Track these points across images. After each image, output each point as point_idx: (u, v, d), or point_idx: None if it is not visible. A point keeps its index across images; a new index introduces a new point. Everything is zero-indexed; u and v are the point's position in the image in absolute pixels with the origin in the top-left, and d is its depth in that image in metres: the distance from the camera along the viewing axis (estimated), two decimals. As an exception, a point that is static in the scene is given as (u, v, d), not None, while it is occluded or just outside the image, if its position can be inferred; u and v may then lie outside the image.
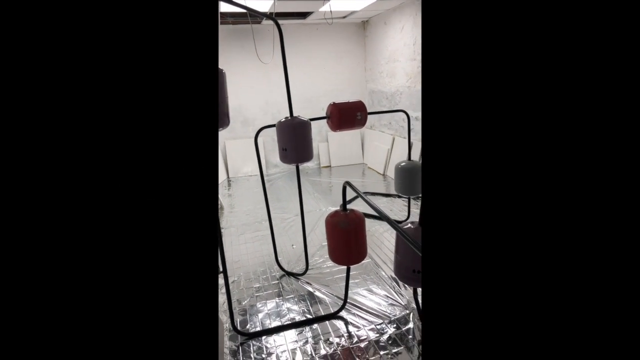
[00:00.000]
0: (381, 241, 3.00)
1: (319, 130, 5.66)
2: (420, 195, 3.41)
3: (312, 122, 2.21)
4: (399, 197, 3.99)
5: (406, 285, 2.27)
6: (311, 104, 5.48)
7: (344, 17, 4.95)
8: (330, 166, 5.74)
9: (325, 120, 2.35)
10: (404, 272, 1.66)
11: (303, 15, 4.68)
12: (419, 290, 2.23)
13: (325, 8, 4.18)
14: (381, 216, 1.45)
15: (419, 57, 4.20)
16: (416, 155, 4.20)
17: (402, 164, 3.03)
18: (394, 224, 1.37)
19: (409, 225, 1.72)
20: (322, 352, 1.77)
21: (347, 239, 1.85)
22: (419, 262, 1.60)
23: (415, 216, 3.52)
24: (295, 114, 2.19)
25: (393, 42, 4.75)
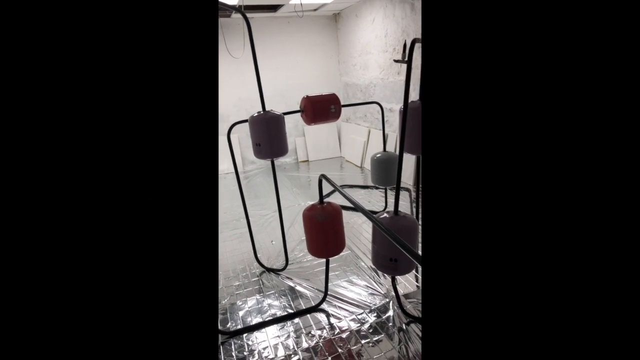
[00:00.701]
0: (360, 232, 3.03)
1: (295, 125, 5.63)
2: (399, 186, 3.46)
3: (288, 117, 2.19)
4: (376, 188, 4.04)
5: (385, 275, 2.31)
6: (286, 98, 5.43)
7: (315, 9, 4.92)
8: (308, 161, 5.73)
9: (300, 115, 2.33)
10: (382, 261, 1.68)
11: (273, 8, 4.61)
12: (398, 278, 2.27)
13: (295, 1, 4.13)
14: (356, 207, 1.46)
15: (391, 49, 4.24)
16: (391, 146, 4.25)
17: (378, 155, 3.06)
18: (369, 214, 1.38)
19: (385, 215, 1.74)
20: (304, 345, 1.78)
21: (324, 231, 1.85)
22: (396, 250, 1.62)
23: (392, 206, 3.57)
24: (269, 109, 2.16)
25: (365, 35, 4.76)
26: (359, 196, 3.91)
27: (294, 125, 5.62)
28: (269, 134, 2.07)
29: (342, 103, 2.49)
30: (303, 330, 1.88)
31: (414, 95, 3.69)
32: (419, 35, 3.66)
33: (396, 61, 1.61)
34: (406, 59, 1.59)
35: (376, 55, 4.59)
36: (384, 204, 3.55)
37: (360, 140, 5.20)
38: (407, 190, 3.85)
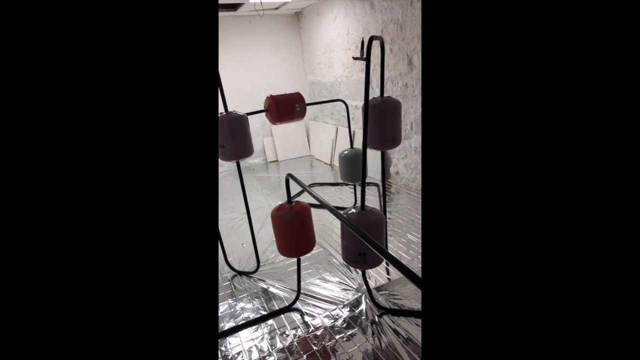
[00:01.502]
0: (331, 229, 3.05)
1: (262, 125, 5.57)
2: (365, 182, 3.53)
3: (255, 117, 2.16)
4: (346, 184, 4.08)
5: (357, 270, 2.34)
6: (251, 99, 5.36)
7: (276, 8, 4.88)
8: (277, 161, 5.69)
9: (265, 114, 2.31)
10: (351, 256, 1.71)
11: (233, 7, 4.52)
12: (369, 271, 2.31)
13: (255, -1, 4.08)
14: (323, 205, 1.47)
15: (353, 47, 4.29)
16: (359, 143, 4.31)
17: (345, 152, 3.10)
18: (335, 211, 1.39)
19: (352, 210, 1.77)
20: (279, 345, 1.77)
21: (294, 230, 1.85)
22: (364, 245, 1.65)
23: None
24: (234, 109, 2.12)
25: (327, 33, 4.79)
26: (330, 193, 3.94)
27: (261, 125, 5.56)
28: (232, 135, 2.04)
29: (309, 101, 2.50)
30: (277, 331, 1.88)
31: (377, 92, 3.76)
32: (379, 33, 3.73)
33: (355, 58, 1.64)
34: (364, 56, 1.62)
35: (339, 53, 4.63)
36: (354, 200, 3.60)
37: (328, 138, 5.23)
38: (376, 185, 3.92)
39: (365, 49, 1.61)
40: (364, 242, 1.21)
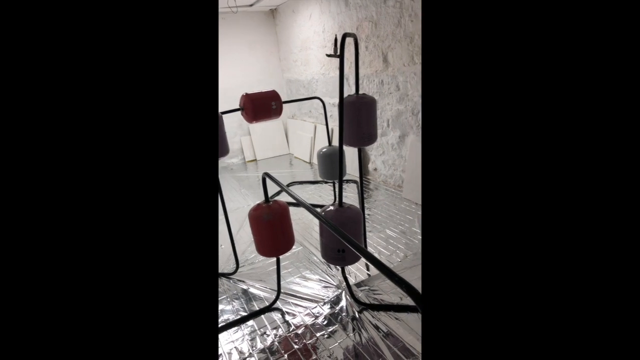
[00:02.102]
0: (312, 227, 3.05)
1: (240, 124, 5.49)
2: (342, 179, 3.55)
3: (231, 116, 2.12)
4: (326, 182, 4.09)
5: (337, 267, 2.35)
6: (228, 97, 5.27)
7: (251, 5, 4.81)
8: (256, 160, 5.63)
9: (241, 113, 2.27)
10: (330, 253, 1.71)
11: (207, 3, 4.42)
12: (349, 267, 2.33)
13: (229, -4, 4.00)
14: (299, 203, 1.47)
15: (330, 45, 4.29)
16: (337, 140, 4.32)
17: (324, 150, 3.10)
18: (311, 209, 1.39)
19: (330, 208, 1.77)
20: (260, 346, 1.75)
21: (272, 230, 1.84)
22: (342, 242, 1.66)
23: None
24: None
25: (303, 31, 4.77)
26: (310, 192, 3.94)
27: (238, 124, 5.48)
28: (207, 135, 2.00)
29: (286, 99, 2.47)
30: (258, 331, 1.86)
31: (353, 89, 3.78)
32: (354, 30, 3.74)
33: (328, 55, 1.64)
34: (338, 53, 1.62)
35: (316, 51, 4.62)
36: (333, 198, 3.61)
37: (307, 136, 5.22)
38: (355, 182, 3.95)
39: (338, 46, 1.61)
40: (347, 240, 1.21)
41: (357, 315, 1.89)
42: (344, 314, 1.92)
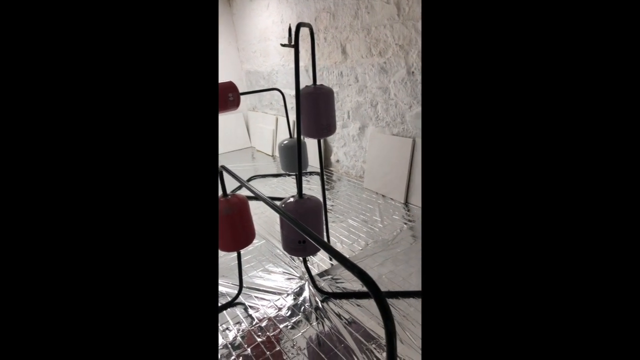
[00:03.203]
0: (274, 220, 3.03)
1: (198, 117, 5.30)
2: (306, 171, 3.55)
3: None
4: (288, 175, 4.07)
5: (300, 258, 2.36)
6: (184, 90, 5.05)
7: (206, -8, 4.61)
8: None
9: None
10: (291, 244, 1.71)
11: (157, -11, 4.18)
12: (312, 258, 2.35)
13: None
14: (257, 196, 1.45)
15: (292, 36, 4.24)
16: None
17: (285, 142, 3.07)
18: (268, 201, 1.38)
19: (290, 199, 1.77)
20: (221, 342, 1.73)
21: (232, 224, 1.80)
22: (303, 232, 1.67)
23: (307, 191, 3.65)
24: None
25: (261, 20, 4.66)
26: (273, 185, 3.90)
27: (196, 117, 5.28)
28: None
29: (246, 91, 2.41)
30: (220, 327, 1.83)
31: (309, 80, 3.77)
32: (313, 21, 3.72)
33: (283, 45, 1.62)
34: (292, 43, 1.60)
35: (275, 41, 4.54)
36: (296, 190, 3.60)
37: (268, 129, 5.15)
38: (317, 173, 3.97)
39: (293, 36, 1.59)
40: (304, 228, 1.21)
41: (320, 305, 1.92)
42: (307, 304, 1.94)
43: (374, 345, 1.63)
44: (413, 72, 2.85)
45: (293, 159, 3.06)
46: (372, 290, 0.73)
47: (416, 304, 1.86)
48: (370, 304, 1.89)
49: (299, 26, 1.60)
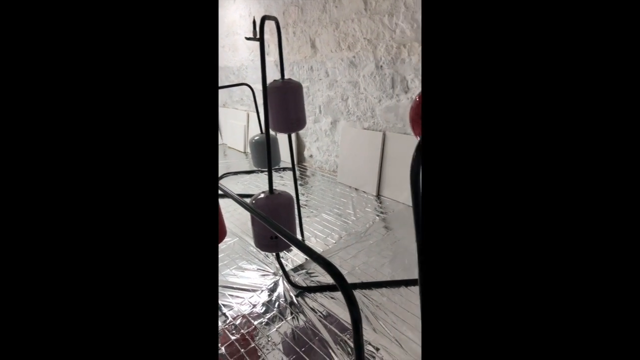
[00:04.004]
0: (248, 218, 2.99)
1: (166, 115, 5.13)
2: (278, 166, 3.53)
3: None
4: (261, 171, 4.03)
5: (274, 254, 2.35)
6: (150, 86, 4.87)
7: (169, -15, 4.45)
8: (186, 152, 5.32)
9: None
10: (262, 240, 1.70)
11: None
12: (286, 253, 2.34)
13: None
14: (226, 194, 1.43)
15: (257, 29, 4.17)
16: (271, 128, 4.27)
17: (256, 138, 3.03)
18: (237, 199, 1.36)
19: (261, 195, 1.75)
20: (195, 343, 1.69)
21: (201, 223, 1.76)
22: (274, 228, 1.66)
23: (280, 187, 3.63)
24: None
25: (229, 14, 4.56)
26: (245, 182, 3.85)
27: (164, 115, 5.11)
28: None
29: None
30: (193, 328, 1.79)
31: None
32: (281, 15, 3.68)
33: (247, 39, 1.59)
34: (257, 37, 1.58)
35: (243, 36, 4.45)
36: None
37: (240, 125, 5.07)
38: (290, 169, 3.95)
39: (257, 30, 1.57)
40: (275, 224, 1.20)
41: (294, 300, 1.92)
42: (281, 299, 1.94)
43: (347, 336, 1.65)
44: (381, 66, 2.88)
45: (264, 155, 3.03)
46: (337, 280, 0.74)
47: (389, 294, 1.91)
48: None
49: (263, 19, 1.58)
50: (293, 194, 2.03)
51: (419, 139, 0.85)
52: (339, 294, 1.93)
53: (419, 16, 2.48)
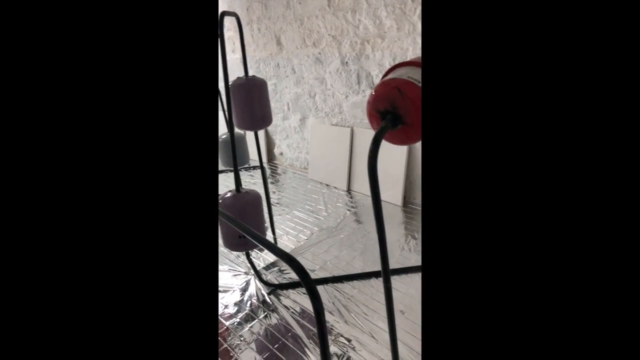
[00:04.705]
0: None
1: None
2: (248, 165, 3.49)
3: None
4: (230, 171, 3.96)
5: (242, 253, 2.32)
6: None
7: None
8: (152, 154, 5.14)
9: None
10: (231, 240, 1.68)
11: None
12: (257, 252, 2.33)
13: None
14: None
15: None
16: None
17: (223, 137, 2.98)
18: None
19: (228, 194, 1.73)
20: (165, 349, 1.65)
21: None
22: (241, 227, 1.64)
23: (251, 186, 3.58)
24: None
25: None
26: (215, 182, 3.77)
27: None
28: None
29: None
30: (162, 334, 1.75)
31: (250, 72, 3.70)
32: (245, 12, 3.62)
33: (206, 35, 1.55)
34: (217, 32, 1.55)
35: (208, 32, 4.35)
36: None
37: (208, 125, 4.95)
38: (262, 167, 3.92)
39: (217, 26, 1.53)
40: (242, 224, 1.19)
41: (267, 298, 1.91)
42: (254, 298, 1.92)
43: (320, 330, 1.67)
44: (347, 62, 2.91)
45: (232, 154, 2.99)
46: (299, 274, 0.75)
47: (360, 286, 1.94)
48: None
49: (223, 15, 1.55)
50: (256, 190, 2.01)
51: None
52: (311, 290, 1.94)
53: (380, 12, 2.52)
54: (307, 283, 0.72)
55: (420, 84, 0.86)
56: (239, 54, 3.92)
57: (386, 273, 1.01)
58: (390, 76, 0.92)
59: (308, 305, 1.83)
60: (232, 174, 3.93)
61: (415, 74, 0.88)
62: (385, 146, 0.86)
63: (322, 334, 0.74)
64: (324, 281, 2.00)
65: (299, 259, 2.25)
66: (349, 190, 3.18)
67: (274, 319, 1.76)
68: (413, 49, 2.45)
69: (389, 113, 0.87)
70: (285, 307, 1.84)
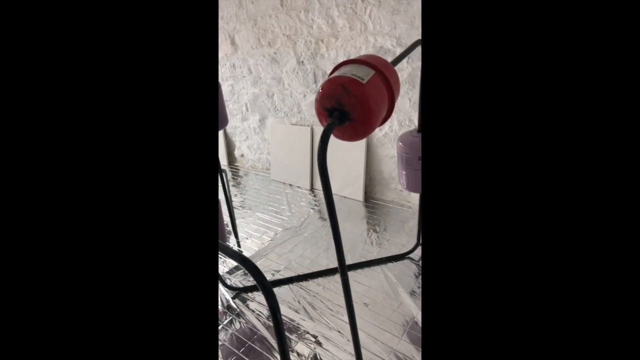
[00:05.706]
0: (177, 225, 2.84)
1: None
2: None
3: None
4: (191, 175, 3.84)
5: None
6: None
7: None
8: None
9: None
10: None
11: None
12: (220, 255, 2.28)
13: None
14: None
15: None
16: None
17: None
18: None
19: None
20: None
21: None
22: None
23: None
24: None
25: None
26: (173, 188, 3.64)
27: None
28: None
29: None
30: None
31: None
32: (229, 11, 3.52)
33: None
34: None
35: (158, 33, 4.18)
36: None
37: (163, 129, 4.76)
38: (223, 170, 3.83)
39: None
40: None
41: (231, 303, 1.88)
42: (236, 299, 1.88)
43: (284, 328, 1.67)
44: (303, 62, 2.92)
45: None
46: (252, 273, 0.74)
47: (324, 283, 1.96)
48: (281, 290, 1.92)
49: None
50: (221, 196, 1.97)
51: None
52: (277, 289, 1.93)
53: (333, 12, 2.56)
54: (260, 281, 0.72)
55: (364, 81, 0.89)
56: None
57: (342, 267, 1.03)
58: (335, 74, 0.94)
59: (274, 306, 1.82)
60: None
61: (359, 71, 0.90)
62: (344, 145, 0.89)
63: (280, 333, 0.74)
64: (289, 281, 2.00)
65: (264, 260, 2.23)
66: (312, 189, 3.20)
67: (239, 324, 1.74)
68: (366, 48, 2.51)
69: (336, 110, 0.89)
70: (251, 310, 1.82)
